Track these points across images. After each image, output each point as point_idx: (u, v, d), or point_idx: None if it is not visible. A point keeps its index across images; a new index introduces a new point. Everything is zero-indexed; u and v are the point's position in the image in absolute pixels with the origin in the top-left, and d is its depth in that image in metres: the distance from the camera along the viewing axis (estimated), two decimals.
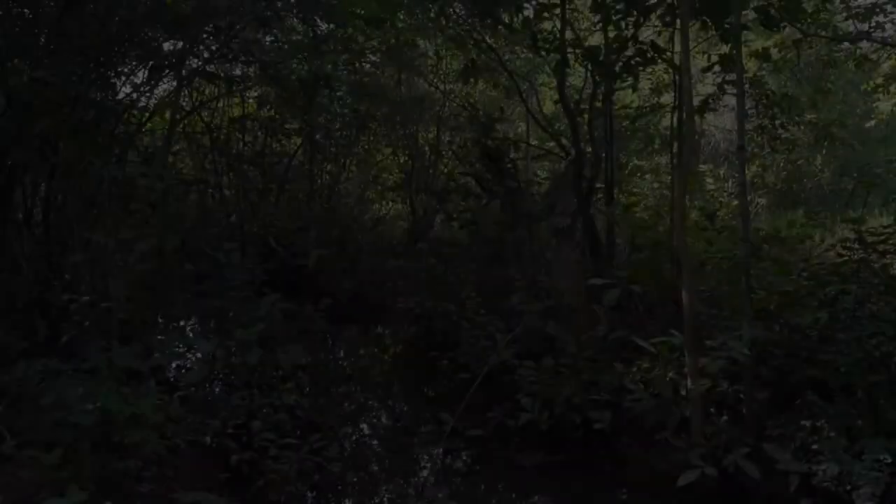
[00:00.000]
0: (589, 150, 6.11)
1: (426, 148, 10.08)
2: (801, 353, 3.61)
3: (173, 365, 4.55)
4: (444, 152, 9.71)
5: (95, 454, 2.71)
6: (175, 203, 7.15)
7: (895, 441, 2.89)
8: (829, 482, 2.88)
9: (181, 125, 7.66)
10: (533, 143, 9.10)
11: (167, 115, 5.55)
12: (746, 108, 5.68)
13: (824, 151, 11.99)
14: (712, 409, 3.62)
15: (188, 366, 4.40)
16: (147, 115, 5.32)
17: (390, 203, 11.37)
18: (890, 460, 2.81)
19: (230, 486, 3.06)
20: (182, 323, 5.42)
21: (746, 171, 3.52)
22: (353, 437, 3.79)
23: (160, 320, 4.80)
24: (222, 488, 2.98)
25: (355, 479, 3.48)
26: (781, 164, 11.89)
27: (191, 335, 4.76)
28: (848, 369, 3.19)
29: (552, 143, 7.73)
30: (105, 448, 2.77)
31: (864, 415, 3.06)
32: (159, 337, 3.58)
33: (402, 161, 10.42)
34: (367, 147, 10.42)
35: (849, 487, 2.83)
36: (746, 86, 6.04)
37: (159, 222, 4.23)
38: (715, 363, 3.45)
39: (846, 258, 3.94)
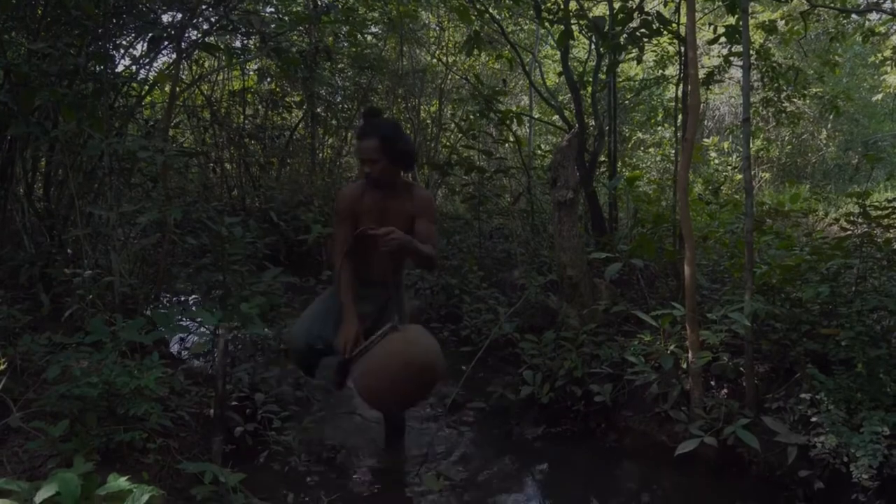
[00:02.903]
0: (592, 123, 6.08)
1: (428, 121, 10.02)
2: (802, 327, 3.62)
3: (176, 338, 4.59)
4: (446, 125, 9.66)
5: (101, 426, 2.75)
6: (176, 177, 7.13)
7: (894, 414, 2.91)
8: (828, 454, 2.90)
9: (181, 98, 7.61)
10: (536, 116, 9.04)
11: (167, 87, 5.50)
12: (752, 80, 5.63)
13: (829, 125, 11.91)
14: (712, 382, 3.65)
15: (191, 339, 4.43)
16: (146, 87, 5.27)
17: None
18: (888, 433, 2.83)
19: (234, 457, 3.10)
20: (184, 297, 5.44)
21: (751, 145, 3.49)
22: (355, 410, 3.81)
23: (163, 294, 4.81)
24: (226, 459, 3.01)
25: (357, 451, 3.52)
26: (786, 138, 11.81)
27: (194, 309, 4.77)
28: (849, 343, 3.20)
29: (555, 116, 7.69)
30: (110, 420, 2.80)
31: (863, 388, 3.08)
32: (162, 311, 3.59)
33: None
34: None
35: (846, 459, 2.85)
36: (752, 58, 5.97)
37: (161, 196, 4.22)
38: (716, 336, 3.47)
39: (849, 232, 3.94)
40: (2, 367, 2.34)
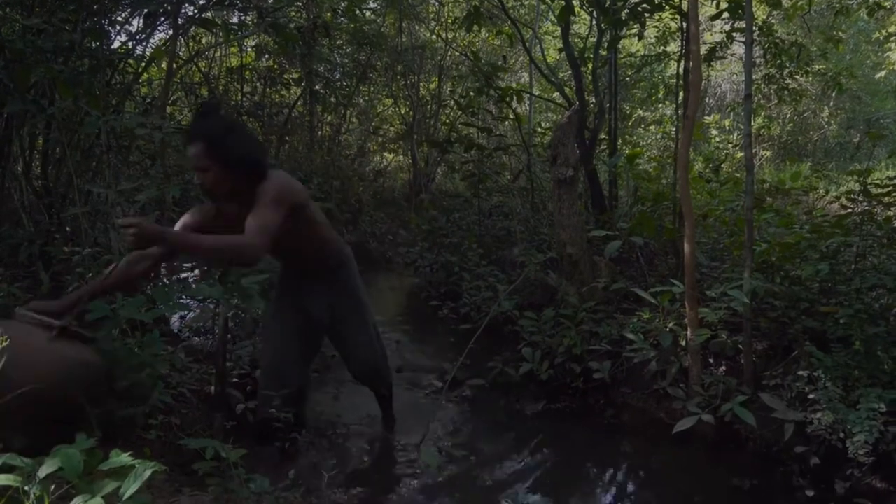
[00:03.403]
0: (593, 100, 6.03)
1: (428, 98, 9.96)
2: (801, 305, 3.63)
3: (177, 315, 4.60)
4: (445, 102, 9.60)
5: (102, 403, 2.76)
6: (175, 155, 7.10)
7: (891, 391, 2.93)
8: (824, 430, 2.93)
9: (178, 75, 7.55)
10: (536, 93, 8.98)
11: (164, 64, 5.45)
12: (755, 56, 5.57)
13: (832, 103, 11.84)
14: (711, 360, 3.67)
15: (191, 316, 4.44)
16: (143, 64, 5.22)
17: (391, 155, 11.31)
18: (885, 409, 2.85)
19: (236, 434, 3.12)
20: (184, 275, 5.44)
21: (752, 123, 3.47)
22: (354, 387, 3.84)
23: (163, 272, 4.81)
24: (228, 435, 3.03)
25: (356, 427, 3.55)
26: (788, 116, 11.74)
27: (193, 286, 4.77)
28: (847, 321, 3.21)
29: (555, 94, 7.63)
30: (112, 397, 2.82)
31: (861, 366, 3.09)
32: (162, 287, 3.60)
33: (403, 112, 10.31)
34: (367, 98, 10.30)
35: (842, 435, 2.88)
36: (755, 34, 5.91)
37: (159, 174, 4.20)
38: (714, 314, 3.48)
39: (850, 210, 3.93)
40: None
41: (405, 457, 3.27)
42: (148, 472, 1.58)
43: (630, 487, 3.07)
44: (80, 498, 1.46)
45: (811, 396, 3.07)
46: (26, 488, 1.51)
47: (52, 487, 1.60)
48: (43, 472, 1.55)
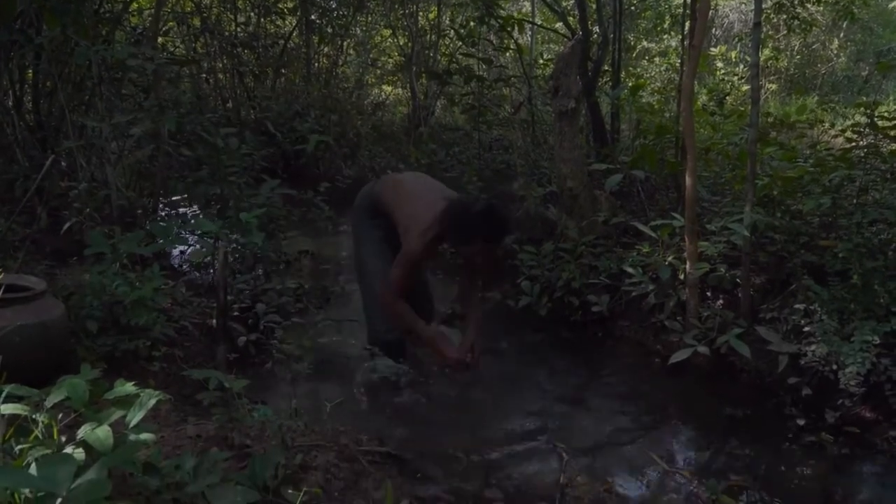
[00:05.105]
0: (596, 30, 5.86)
1: (427, 28, 9.69)
2: (801, 239, 3.63)
3: (176, 250, 4.61)
4: (445, 32, 9.34)
5: (106, 335, 2.80)
6: (168, 87, 6.96)
7: (885, 324, 2.96)
8: (817, 362, 2.97)
9: (169, 4, 7.32)
10: (538, 23, 8.73)
11: None
12: None
13: (842, 34, 11.52)
14: (709, 293, 3.69)
15: (191, 251, 4.45)
16: None
17: (390, 87, 11.09)
18: (878, 342, 2.89)
19: (238, 366, 3.17)
20: (182, 209, 5.41)
21: (759, 53, 3.37)
22: (356, 321, 3.88)
23: (161, 206, 4.79)
24: (230, 367, 3.08)
25: (356, 358, 3.60)
26: (796, 48, 11.45)
27: (192, 221, 4.77)
28: (846, 255, 3.21)
29: (558, 23, 7.41)
30: (114, 330, 2.85)
31: (857, 299, 3.11)
32: (161, 223, 3.59)
33: (401, 43, 10.04)
34: (365, 28, 10.02)
35: (835, 367, 2.93)
36: None
37: (154, 107, 4.12)
38: (714, 248, 3.49)
39: (854, 144, 3.87)
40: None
41: (403, 387, 3.33)
42: (152, 401, 1.61)
43: (626, 417, 3.14)
44: (87, 426, 1.49)
45: (806, 329, 3.11)
46: (34, 416, 1.54)
47: (60, 416, 1.64)
48: (50, 401, 1.58)
